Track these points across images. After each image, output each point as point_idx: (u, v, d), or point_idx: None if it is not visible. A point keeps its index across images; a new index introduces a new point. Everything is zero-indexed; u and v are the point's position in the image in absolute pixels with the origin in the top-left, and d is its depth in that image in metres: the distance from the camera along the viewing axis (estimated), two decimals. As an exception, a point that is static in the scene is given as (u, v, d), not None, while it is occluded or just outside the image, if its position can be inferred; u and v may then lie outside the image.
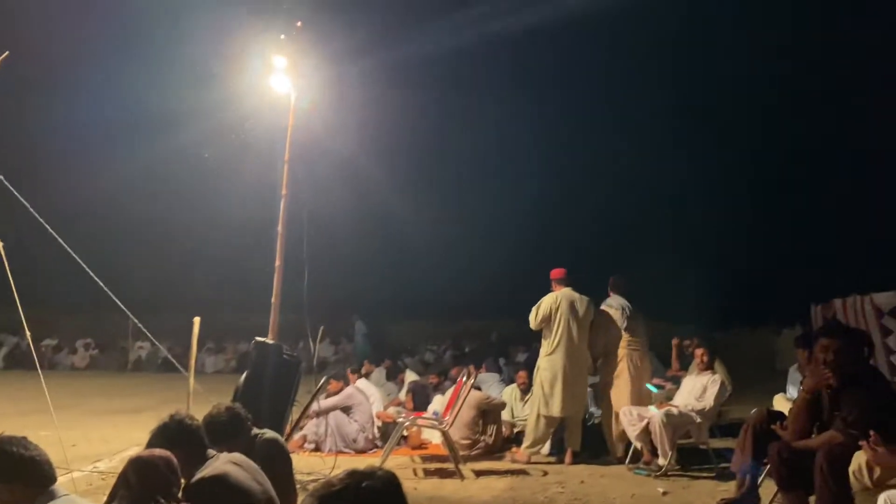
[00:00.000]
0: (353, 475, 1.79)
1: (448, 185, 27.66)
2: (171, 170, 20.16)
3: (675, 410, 6.61)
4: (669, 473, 6.34)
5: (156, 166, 20.20)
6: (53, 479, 2.42)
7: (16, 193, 6.58)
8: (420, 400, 8.66)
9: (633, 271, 9.25)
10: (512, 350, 17.09)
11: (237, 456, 3.38)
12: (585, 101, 26.65)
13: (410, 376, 10.30)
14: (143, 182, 22.20)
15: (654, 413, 6.53)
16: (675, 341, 9.35)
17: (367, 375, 9.53)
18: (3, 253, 6.29)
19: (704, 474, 6.41)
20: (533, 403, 7.36)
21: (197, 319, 5.86)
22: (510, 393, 8.55)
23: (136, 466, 2.86)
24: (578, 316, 7.25)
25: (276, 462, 3.72)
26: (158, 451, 2.96)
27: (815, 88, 23.62)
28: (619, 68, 26.48)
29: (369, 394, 8.19)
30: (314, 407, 6.88)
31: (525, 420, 7.66)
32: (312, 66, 6.40)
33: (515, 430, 8.03)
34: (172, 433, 3.16)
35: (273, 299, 6.24)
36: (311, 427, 7.52)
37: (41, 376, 7.39)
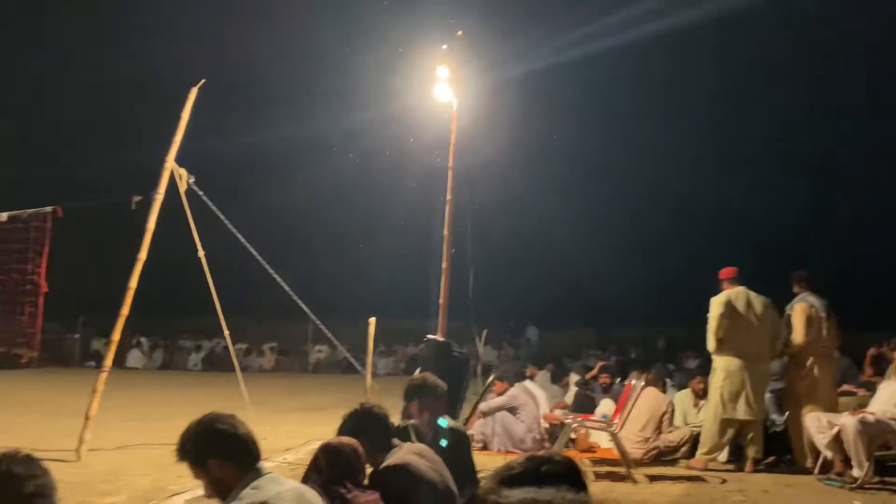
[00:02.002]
0: (533, 459, 1.83)
1: (612, 192, 27.11)
2: (345, 180, 21.44)
3: (871, 418, 6.05)
4: (866, 486, 5.81)
5: (333, 177, 21.54)
6: (259, 457, 2.56)
7: (214, 209, 7.33)
8: (585, 403, 8.56)
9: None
10: (682, 356, 16.45)
11: (420, 446, 3.55)
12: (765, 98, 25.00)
13: (574, 379, 10.21)
14: (322, 192, 23.77)
15: (847, 420, 6.02)
16: (871, 350, 8.57)
17: (531, 378, 9.56)
18: (205, 262, 7.07)
19: (909, 489, 5.81)
20: (709, 408, 7.04)
21: (372, 320, 6.23)
22: (683, 398, 8.22)
23: (327, 452, 3.07)
24: (756, 315, 6.84)
25: (461, 447, 3.87)
26: (347, 439, 3.15)
27: None
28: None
29: (535, 395, 8.22)
30: (482, 406, 7.03)
31: (699, 426, 7.34)
32: (473, 73, 6.59)
33: (689, 437, 7.70)
34: (360, 420, 3.37)
35: (441, 300, 6.46)
36: (478, 427, 7.67)
37: (239, 376, 8.19)
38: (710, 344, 6.92)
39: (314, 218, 25.39)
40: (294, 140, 22.44)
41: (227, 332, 7.12)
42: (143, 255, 6.92)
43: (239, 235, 7.51)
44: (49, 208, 7.72)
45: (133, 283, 6.88)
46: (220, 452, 2.46)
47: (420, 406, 4.08)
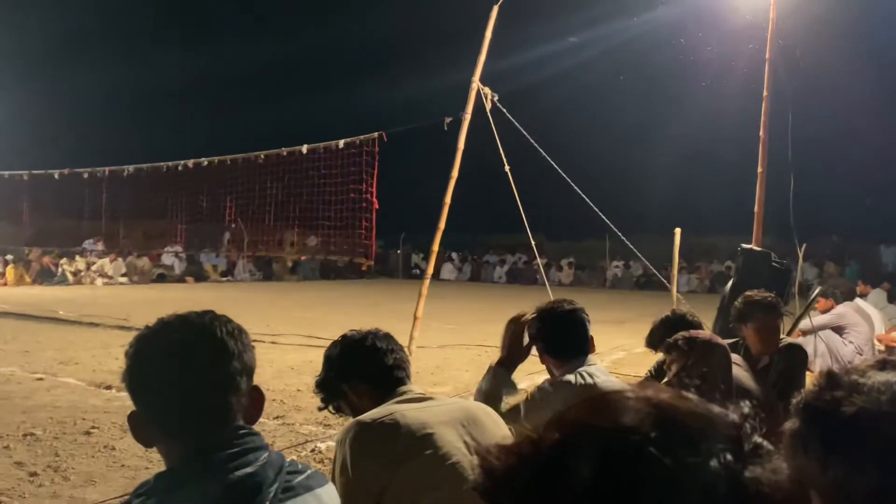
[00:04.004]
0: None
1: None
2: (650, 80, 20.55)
3: None
4: None
5: (634, 85, 20.77)
6: (588, 352, 2.70)
7: (518, 126, 7.57)
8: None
9: None
10: None
11: (738, 358, 3.41)
12: None
13: (920, 299, 8.85)
14: (605, 102, 23.16)
15: None
16: None
17: (862, 297, 8.51)
18: (511, 177, 7.38)
19: None
20: None
21: (678, 230, 5.99)
22: None
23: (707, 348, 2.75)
24: None
25: (797, 369, 3.51)
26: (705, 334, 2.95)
27: None
28: None
29: (868, 314, 7.31)
30: (804, 324, 6.46)
31: None
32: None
33: None
34: (673, 324, 3.33)
35: (756, 208, 5.98)
36: (798, 346, 7.09)
37: (548, 286, 8.56)
38: None
39: (606, 127, 24.99)
40: (591, 49, 21.99)
41: (533, 244, 7.44)
42: (455, 172, 7.46)
43: (540, 149, 7.69)
44: (376, 134, 8.68)
45: (447, 198, 7.47)
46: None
47: (757, 326, 3.50)
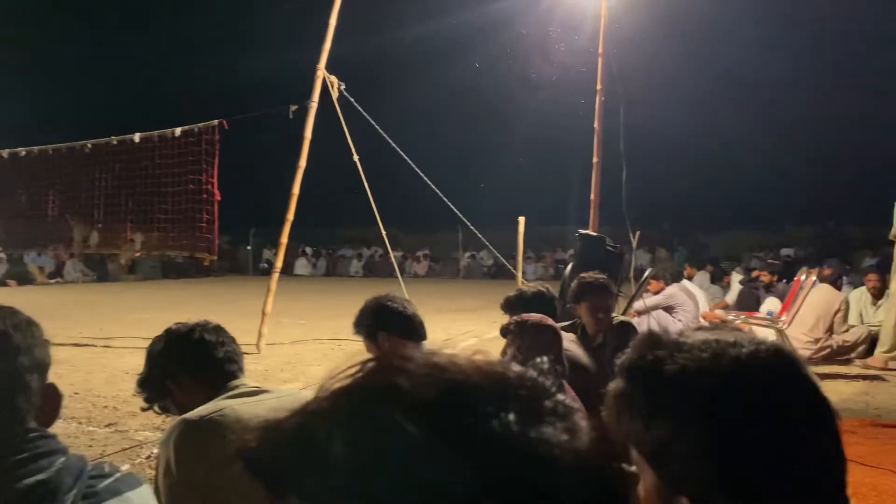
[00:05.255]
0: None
1: (781, 87, 24.75)
2: (488, 78, 21.02)
3: None
4: None
5: (475, 76, 21.18)
6: (425, 336, 2.68)
7: (366, 115, 7.49)
8: (749, 301, 8.16)
9: None
10: (856, 255, 15.20)
11: (573, 336, 3.55)
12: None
13: (737, 279, 9.74)
14: (455, 94, 23.52)
15: None
16: None
17: (689, 279, 9.24)
18: (360, 166, 7.30)
19: None
20: (891, 305, 6.47)
21: (522, 219, 6.19)
22: (858, 296, 7.63)
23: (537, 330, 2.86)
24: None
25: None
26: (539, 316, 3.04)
27: None
28: None
29: (694, 294, 7.93)
30: (637, 305, 6.89)
31: (879, 325, 6.79)
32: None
33: (866, 336, 7.17)
34: (527, 301, 3.43)
35: (592, 196, 6.29)
36: (633, 325, 7.56)
37: (400, 279, 8.56)
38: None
39: (459, 121, 25.43)
40: (436, 38, 22.24)
41: (385, 236, 7.40)
42: (302, 162, 7.26)
43: (389, 140, 7.66)
44: (216, 121, 8.26)
45: (295, 189, 7.26)
46: (389, 325, 2.62)
47: (590, 305, 3.79)
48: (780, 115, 23.65)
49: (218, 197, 8.37)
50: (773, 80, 24.54)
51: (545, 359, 0.59)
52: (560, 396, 0.54)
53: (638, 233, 7.56)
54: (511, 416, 0.47)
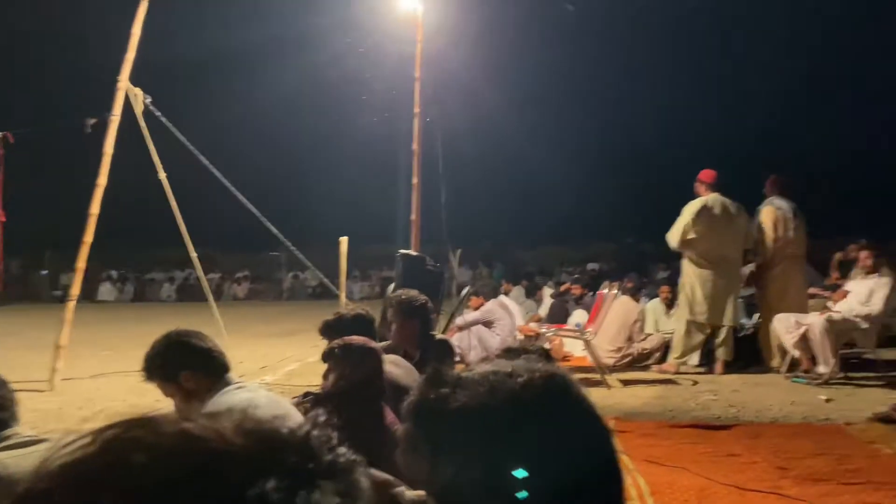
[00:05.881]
0: (509, 350, 1.82)
1: (585, 108, 26.78)
2: (303, 96, 20.70)
3: (837, 316, 6.19)
4: (832, 382, 6.00)
5: (287, 94, 20.79)
6: (229, 368, 2.53)
7: (175, 132, 7.06)
8: (560, 314, 8.66)
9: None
10: (651, 268, 16.72)
11: (395, 357, 3.53)
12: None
13: (548, 293, 10.32)
14: (277, 112, 22.98)
15: (815, 319, 6.16)
16: (838, 255, 8.74)
17: (506, 294, 9.65)
18: (167, 185, 6.83)
19: (871, 383, 6.02)
20: (680, 313, 7.15)
21: (344, 240, 6.13)
22: (654, 306, 8.38)
23: (354, 352, 2.80)
24: (730, 221, 6.88)
25: (445, 362, 3.82)
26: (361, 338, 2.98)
27: None
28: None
29: (510, 309, 8.28)
30: (458, 321, 7.06)
31: (671, 333, 7.49)
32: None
33: (661, 343, 7.87)
34: (346, 324, 3.35)
35: (413, 216, 6.37)
36: (455, 340, 7.72)
37: (212, 303, 8.11)
38: (673, 240, 6.96)
39: (272, 138, 24.80)
40: (248, 51, 21.58)
41: (194, 258, 6.96)
42: (102, 180, 6.69)
43: (202, 158, 7.26)
44: (-1, 134, 7.38)
45: (94, 209, 6.66)
46: (190, 364, 2.45)
47: (408, 325, 3.88)
48: (587, 140, 25.62)
49: (2, 218, 7.47)
50: (574, 109, 26.55)
51: (321, 411, 0.55)
52: (340, 451, 0.50)
53: (459, 251, 7.79)
54: (272, 486, 0.42)
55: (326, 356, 2.85)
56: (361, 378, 2.73)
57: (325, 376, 2.87)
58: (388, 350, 3.75)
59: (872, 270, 6.44)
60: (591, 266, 19.70)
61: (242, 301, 21.22)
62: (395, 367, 3.43)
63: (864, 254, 6.63)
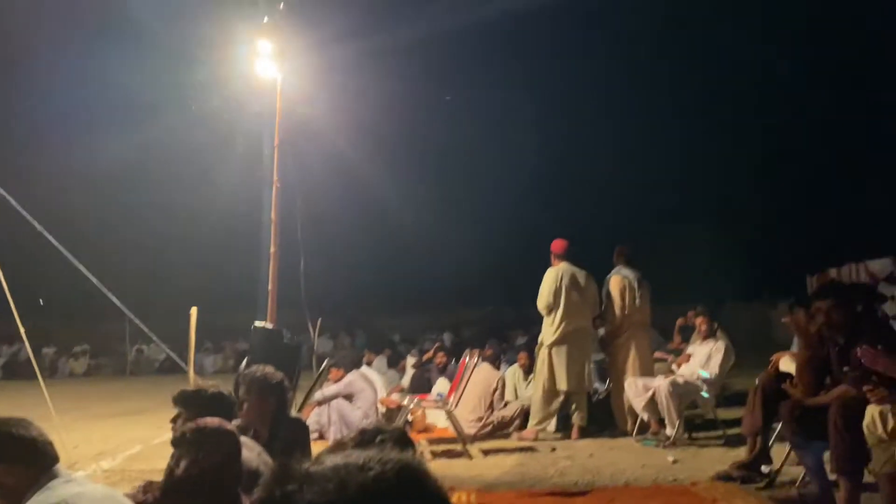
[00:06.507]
0: (364, 432, 1.79)
1: (438, 173, 27.51)
2: (151, 160, 19.87)
3: (680, 380, 6.58)
4: (678, 443, 6.31)
5: (134, 157, 19.91)
6: (56, 460, 2.31)
7: (6, 196, 6.47)
8: (422, 384, 8.61)
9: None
10: (511, 334, 17.14)
11: (245, 439, 3.32)
12: (575, 79, 26.34)
13: (411, 362, 10.26)
14: (122, 174, 21.87)
15: (660, 383, 6.50)
16: (679, 321, 9.37)
17: (368, 364, 9.48)
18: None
19: (713, 442, 6.39)
20: (538, 381, 7.31)
21: (194, 310, 5.79)
22: (513, 374, 8.52)
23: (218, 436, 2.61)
24: (581, 290, 7.20)
25: (299, 443, 3.64)
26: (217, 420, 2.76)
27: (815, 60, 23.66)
28: (608, 43, 26.24)
29: (372, 381, 8.13)
30: (317, 395, 6.82)
31: (529, 400, 7.62)
32: (299, 50, 6.30)
33: (521, 410, 7.98)
34: (204, 401, 3.13)
35: (269, 286, 6.16)
36: (313, 416, 7.45)
37: (41, 381, 7.33)
38: (542, 305, 7.21)
39: (118, 203, 23.40)
40: (90, 109, 20.44)
41: (23, 331, 6.29)
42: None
43: (36, 224, 6.68)
44: None
45: None
46: (7, 457, 2.23)
47: (262, 400, 3.69)
48: (449, 207, 26.25)
49: None
50: (437, 172, 27.28)
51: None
52: None
53: (319, 320, 7.57)
54: None
55: (177, 442, 2.63)
56: (216, 463, 2.54)
57: (175, 460, 2.65)
58: (238, 429, 3.53)
59: (708, 335, 6.93)
60: (446, 335, 19.86)
61: (81, 377, 19.46)
62: (247, 449, 3.22)
63: (699, 319, 7.13)
